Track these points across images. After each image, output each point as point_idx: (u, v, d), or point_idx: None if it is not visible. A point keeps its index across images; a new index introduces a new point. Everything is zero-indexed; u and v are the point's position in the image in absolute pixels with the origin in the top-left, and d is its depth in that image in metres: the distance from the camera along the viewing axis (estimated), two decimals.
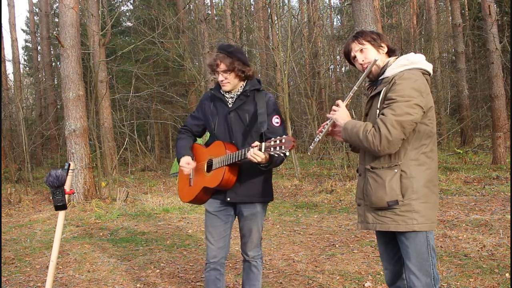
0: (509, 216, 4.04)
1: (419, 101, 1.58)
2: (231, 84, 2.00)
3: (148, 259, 3.53)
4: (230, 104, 2.04)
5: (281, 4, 12.86)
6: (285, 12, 13.23)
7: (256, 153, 1.78)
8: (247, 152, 1.81)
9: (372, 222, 1.68)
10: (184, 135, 2.17)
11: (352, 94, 1.74)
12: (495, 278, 2.65)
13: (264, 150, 1.75)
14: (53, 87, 14.71)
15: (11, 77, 15.59)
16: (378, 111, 1.65)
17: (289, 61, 8.82)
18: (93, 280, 3.08)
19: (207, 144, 2.11)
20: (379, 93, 1.68)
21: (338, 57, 14.78)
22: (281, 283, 2.85)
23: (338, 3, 16.59)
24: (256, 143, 1.79)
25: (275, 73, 12.02)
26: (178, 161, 2.08)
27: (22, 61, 18.89)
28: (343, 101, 1.76)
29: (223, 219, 2.06)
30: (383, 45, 1.73)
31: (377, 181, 1.64)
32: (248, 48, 14.67)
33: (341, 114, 1.72)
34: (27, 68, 21.39)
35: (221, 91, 2.05)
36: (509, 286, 2.54)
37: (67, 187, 2.02)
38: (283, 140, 1.69)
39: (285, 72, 8.49)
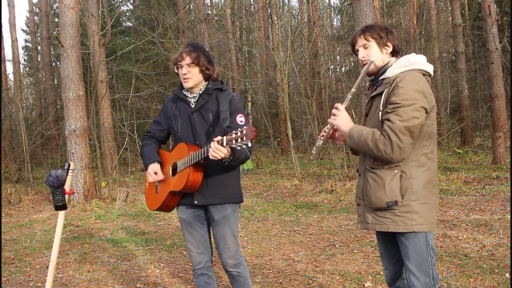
0: (509, 216, 4.04)
1: (424, 103, 1.58)
2: (194, 80, 1.94)
3: (148, 259, 3.53)
4: (192, 104, 1.98)
5: (281, 4, 12.88)
6: (285, 12, 13.24)
7: (218, 149, 1.72)
8: (210, 149, 1.76)
9: (371, 222, 1.68)
10: (148, 141, 2.11)
11: (350, 96, 1.72)
12: (495, 278, 2.65)
13: (226, 144, 1.71)
14: (53, 87, 14.71)
15: (11, 77, 15.59)
16: (380, 112, 1.64)
17: (289, 61, 8.82)
18: (93, 280, 3.08)
19: (171, 149, 2.06)
20: (380, 93, 1.67)
21: (338, 57, 14.78)
22: (281, 283, 2.85)
23: (338, 3, 16.60)
24: (218, 137, 1.74)
25: (275, 73, 12.02)
26: (146, 168, 2.03)
27: (22, 61, 18.89)
28: (342, 103, 1.74)
29: (198, 225, 2.02)
30: (389, 44, 1.70)
31: (376, 182, 1.64)
32: (248, 48, 14.68)
33: (342, 119, 1.69)
34: (27, 68, 21.39)
35: (184, 91, 2.01)
36: (509, 286, 2.54)
37: (67, 187, 2.02)
38: (244, 131, 1.65)
39: (285, 72, 8.49)
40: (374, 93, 1.71)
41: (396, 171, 1.61)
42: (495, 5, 8.43)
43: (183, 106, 2.01)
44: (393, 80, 1.63)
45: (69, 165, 2.05)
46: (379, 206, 1.63)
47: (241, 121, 1.93)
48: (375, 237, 3.77)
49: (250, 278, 2.10)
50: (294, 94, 13.08)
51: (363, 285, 2.72)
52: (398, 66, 1.66)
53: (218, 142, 1.73)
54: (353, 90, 1.71)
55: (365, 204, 1.70)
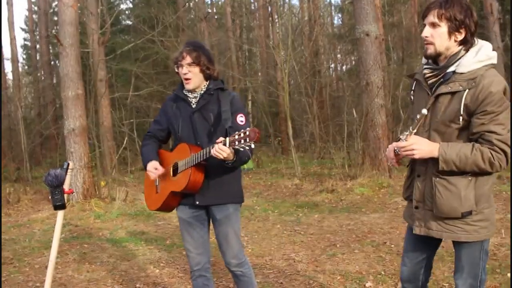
0: (510, 216, 4.02)
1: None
2: (194, 81, 1.93)
3: (147, 259, 3.51)
4: (193, 104, 1.97)
5: (281, 2, 12.84)
6: (285, 10, 13.20)
7: (221, 148, 1.72)
8: (212, 149, 1.76)
9: (436, 229, 1.56)
10: (148, 141, 2.10)
11: (411, 133, 1.47)
12: (497, 278, 2.64)
13: (229, 145, 1.70)
14: (52, 86, 14.67)
15: (9, 76, 15.57)
16: (460, 118, 1.45)
17: (289, 60, 8.80)
18: (92, 280, 3.06)
19: (172, 149, 2.05)
20: (453, 92, 1.46)
21: (339, 55, 14.76)
22: (281, 283, 2.84)
23: (339, 1, 16.57)
24: (221, 138, 1.75)
25: (276, 72, 12.00)
26: (145, 167, 2.02)
27: (20, 59, 18.87)
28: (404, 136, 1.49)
29: (198, 225, 2.01)
30: (461, 31, 1.46)
31: (450, 190, 1.50)
32: (249, 47, 14.65)
33: (422, 150, 1.47)
34: (26, 67, 21.34)
35: (184, 91, 1.99)
36: (511, 286, 2.52)
37: (66, 187, 1.99)
38: (247, 132, 1.65)
39: (286, 70, 8.46)
40: (444, 91, 1.48)
41: (470, 178, 1.49)
42: (497, 4, 8.40)
43: (183, 106, 1.99)
44: (477, 81, 1.43)
45: (68, 164, 2.02)
46: (452, 216, 1.51)
47: (241, 121, 1.92)
48: (376, 237, 3.77)
49: (254, 278, 2.09)
50: (295, 93, 13.05)
51: (364, 285, 2.70)
52: (476, 61, 1.46)
53: (221, 142, 1.73)
54: (412, 130, 1.47)
55: (427, 209, 1.57)
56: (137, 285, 2.93)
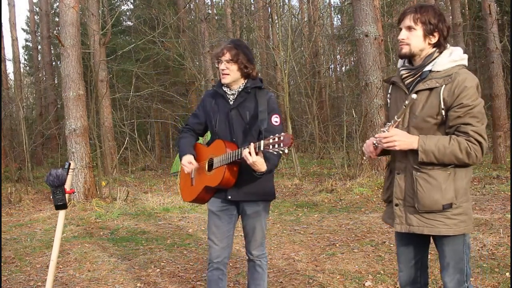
0: (509, 215, 4.04)
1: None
2: (231, 77, 1.98)
3: (148, 258, 3.53)
4: (231, 101, 2.03)
5: (281, 3, 12.85)
6: (285, 11, 13.22)
7: (246, 156, 1.77)
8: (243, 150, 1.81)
9: (417, 225, 1.58)
10: (186, 133, 2.16)
11: (395, 122, 1.53)
12: (495, 278, 2.65)
13: (263, 148, 1.74)
14: (53, 87, 14.71)
15: (11, 76, 15.62)
16: (443, 111, 1.51)
17: (289, 61, 8.82)
18: (93, 280, 3.08)
19: (208, 143, 2.11)
20: (431, 88, 1.53)
21: (338, 56, 14.78)
22: (281, 282, 2.86)
23: (338, 2, 16.60)
24: (261, 142, 1.78)
25: (276, 73, 12.02)
26: (181, 160, 2.07)
27: (22, 60, 18.87)
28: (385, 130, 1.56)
29: (226, 219, 2.06)
30: (435, 34, 1.56)
31: (430, 183, 1.54)
32: None
33: (402, 141, 1.52)
34: (28, 68, 21.38)
35: (223, 87, 2.05)
36: (510, 286, 2.54)
37: (67, 187, 2.01)
38: (282, 138, 1.68)
39: (286, 71, 8.49)
40: (421, 87, 1.55)
41: (449, 172, 1.53)
42: (495, 4, 8.41)
43: (222, 102, 2.05)
44: (452, 77, 1.51)
45: (70, 164, 2.04)
46: (433, 209, 1.55)
47: (276, 122, 1.97)
48: (375, 236, 3.79)
49: (266, 276, 2.15)
50: (295, 93, 13.08)
51: (363, 284, 2.72)
52: (450, 60, 1.55)
53: (255, 146, 1.77)
54: (396, 119, 1.53)
55: (407, 205, 1.60)
56: (138, 285, 2.94)
